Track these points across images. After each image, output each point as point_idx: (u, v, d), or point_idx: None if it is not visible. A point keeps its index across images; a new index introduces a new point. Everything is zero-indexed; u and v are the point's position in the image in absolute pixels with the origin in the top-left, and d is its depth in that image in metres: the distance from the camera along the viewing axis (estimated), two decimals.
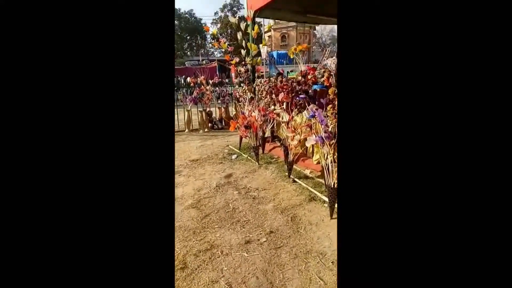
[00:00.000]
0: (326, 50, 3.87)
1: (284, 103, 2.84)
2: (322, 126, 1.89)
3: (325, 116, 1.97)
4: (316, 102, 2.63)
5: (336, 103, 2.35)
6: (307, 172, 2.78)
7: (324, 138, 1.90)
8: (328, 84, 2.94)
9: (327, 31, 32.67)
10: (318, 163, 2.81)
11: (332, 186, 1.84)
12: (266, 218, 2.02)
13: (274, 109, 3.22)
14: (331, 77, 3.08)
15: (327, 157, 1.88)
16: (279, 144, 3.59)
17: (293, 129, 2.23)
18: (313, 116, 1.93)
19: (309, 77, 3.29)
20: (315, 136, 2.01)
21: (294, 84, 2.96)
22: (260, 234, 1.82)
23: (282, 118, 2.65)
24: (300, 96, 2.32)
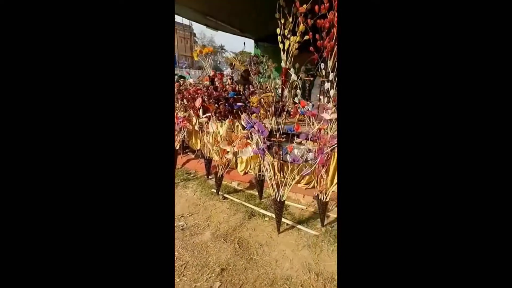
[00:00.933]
0: (209, 59, 3.80)
1: (201, 110, 2.49)
2: (262, 136, 1.76)
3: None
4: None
5: (261, 111, 2.32)
6: (234, 185, 2.58)
7: (265, 149, 1.78)
8: (243, 92, 2.88)
9: (206, 39, 33.48)
10: (245, 173, 2.68)
11: (278, 200, 1.75)
12: (209, 253, 1.64)
13: (186, 116, 2.78)
14: (236, 85, 3.05)
15: (269, 169, 1.78)
16: (193, 156, 3.16)
17: (230, 141, 1.97)
18: (252, 126, 1.77)
19: (216, 83, 3.10)
20: (253, 148, 1.86)
21: (210, 89, 2.68)
22: (210, 277, 1.45)
23: (208, 128, 2.31)
24: (237, 104, 2.09)
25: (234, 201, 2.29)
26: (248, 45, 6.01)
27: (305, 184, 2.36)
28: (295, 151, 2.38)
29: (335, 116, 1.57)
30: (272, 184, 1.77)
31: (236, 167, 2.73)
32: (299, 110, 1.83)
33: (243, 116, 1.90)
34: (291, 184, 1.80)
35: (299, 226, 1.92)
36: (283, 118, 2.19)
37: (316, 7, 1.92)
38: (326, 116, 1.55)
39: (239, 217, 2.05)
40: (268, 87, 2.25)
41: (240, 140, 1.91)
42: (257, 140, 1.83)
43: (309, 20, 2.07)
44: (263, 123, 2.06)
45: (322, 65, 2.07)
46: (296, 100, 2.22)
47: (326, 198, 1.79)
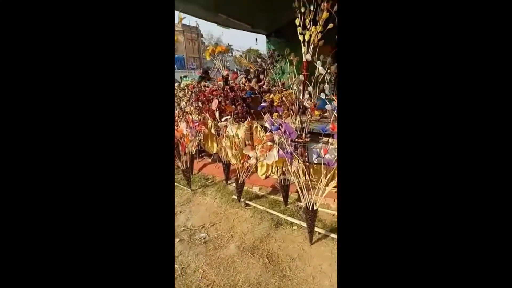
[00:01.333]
0: (222, 58, 3.64)
1: (217, 112, 2.34)
2: (290, 139, 1.58)
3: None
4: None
5: (283, 110, 2.13)
6: (255, 190, 2.42)
7: (292, 153, 1.60)
8: (259, 91, 2.70)
9: (214, 39, 33.53)
10: (267, 177, 2.51)
11: (311, 209, 1.57)
12: (237, 269, 1.48)
13: (201, 119, 2.65)
14: (254, 82, 2.87)
15: (299, 174, 1.59)
16: (210, 160, 3.02)
17: (252, 145, 1.81)
18: (278, 128, 1.59)
19: (230, 83, 2.93)
20: (278, 151, 1.68)
21: (226, 90, 2.52)
22: None
23: (226, 131, 2.16)
24: (261, 105, 1.92)
25: (258, 208, 2.12)
26: (260, 42, 5.82)
27: (334, 187, 2.16)
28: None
29: None
30: (302, 190, 1.59)
31: (256, 170, 2.57)
32: (328, 106, 1.62)
33: (266, 117, 1.73)
34: (324, 190, 1.61)
35: (333, 235, 1.73)
36: (308, 116, 2.00)
37: None
38: None
39: (265, 227, 1.88)
40: (291, 84, 2.07)
41: (263, 144, 1.74)
42: (283, 142, 1.65)
43: (336, 3, 1.86)
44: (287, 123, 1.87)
45: None
46: (323, 95, 2.02)
47: None
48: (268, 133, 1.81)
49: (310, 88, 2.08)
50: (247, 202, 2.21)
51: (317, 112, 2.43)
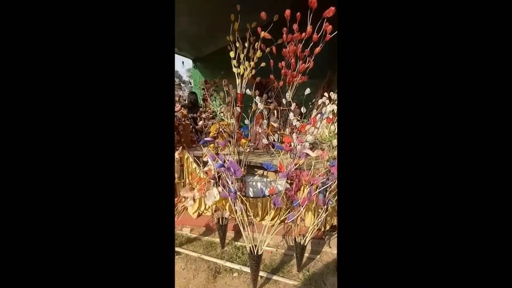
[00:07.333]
0: None
1: None
2: (234, 177, 1.46)
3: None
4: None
5: (218, 141, 2.01)
6: (186, 231, 2.09)
7: (237, 192, 1.48)
8: (192, 117, 2.49)
9: None
10: (199, 215, 2.23)
11: (255, 254, 1.45)
12: None
13: None
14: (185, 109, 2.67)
15: (243, 215, 1.48)
16: None
17: (191, 186, 1.53)
18: (222, 165, 1.45)
19: None
20: (220, 191, 1.52)
21: None
22: None
23: None
24: (205, 139, 1.65)
25: (191, 255, 1.81)
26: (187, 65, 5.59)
27: (271, 220, 2.14)
28: (259, 184, 2.15)
29: (319, 153, 1.46)
30: (247, 234, 1.47)
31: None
32: (270, 139, 1.63)
33: (206, 150, 1.55)
34: (270, 231, 1.54)
35: (275, 277, 1.66)
36: (247, 149, 1.95)
37: (284, 36, 1.85)
38: (311, 153, 1.41)
39: (202, 279, 1.60)
40: (228, 115, 1.99)
41: (204, 183, 1.54)
42: (227, 181, 1.51)
43: (273, 48, 1.99)
44: (225, 155, 1.75)
45: (287, 94, 2.00)
46: (246, 122, 2.04)
47: (305, 242, 1.61)
48: (207, 168, 1.62)
49: (246, 121, 2.07)
50: (177, 249, 1.86)
51: (243, 141, 2.44)
